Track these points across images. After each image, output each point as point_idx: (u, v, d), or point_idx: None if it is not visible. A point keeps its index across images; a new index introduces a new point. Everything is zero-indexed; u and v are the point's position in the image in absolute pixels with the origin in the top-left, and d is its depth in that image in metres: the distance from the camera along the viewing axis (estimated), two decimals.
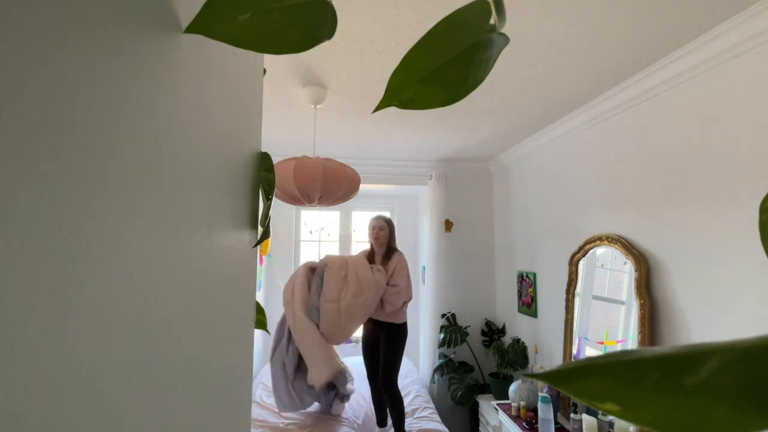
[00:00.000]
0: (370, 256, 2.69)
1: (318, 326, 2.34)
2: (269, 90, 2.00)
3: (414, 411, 2.69)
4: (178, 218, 0.28)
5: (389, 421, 2.53)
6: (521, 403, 2.39)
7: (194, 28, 0.26)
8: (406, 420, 2.56)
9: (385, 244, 2.63)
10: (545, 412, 2.11)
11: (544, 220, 2.76)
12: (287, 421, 2.51)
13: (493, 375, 2.95)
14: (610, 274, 2.12)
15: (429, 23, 1.38)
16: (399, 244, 3.68)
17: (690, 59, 1.55)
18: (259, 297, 3.45)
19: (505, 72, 1.79)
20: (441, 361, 3.25)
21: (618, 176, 2.03)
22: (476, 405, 3.08)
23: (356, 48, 1.60)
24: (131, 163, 0.22)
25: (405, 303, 2.54)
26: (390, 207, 4.24)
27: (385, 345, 2.51)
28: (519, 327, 3.09)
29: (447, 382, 3.23)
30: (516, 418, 2.35)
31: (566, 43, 1.54)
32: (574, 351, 2.31)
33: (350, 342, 3.97)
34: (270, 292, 3.78)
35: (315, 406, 2.60)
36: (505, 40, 0.30)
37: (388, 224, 2.67)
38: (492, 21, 0.30)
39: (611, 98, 1.99)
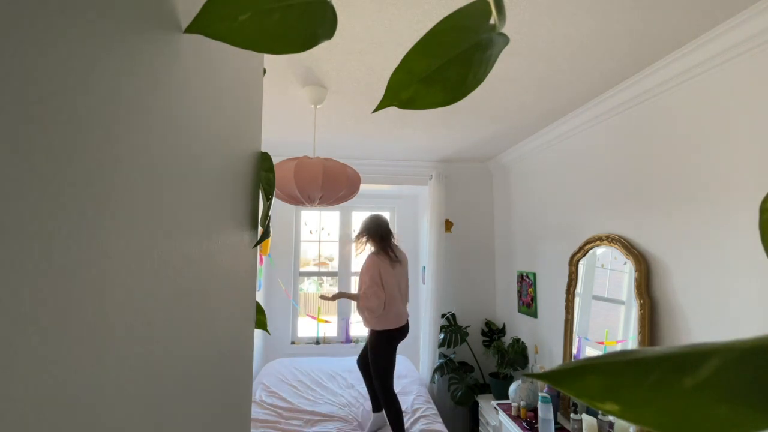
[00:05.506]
0: None
1: None
2: (269, 90, 2.00)
3: (414, 411, 2.69)
4: (177, 218, 0.28)
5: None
6: (521, 403, 2.39)
7: (194, 28, 0.26)
8: (406, 418, 2.57)
9: (374, 247, 2.63)
10: (545, 412, 2.11)
11: (544, 220, 2.76)
12: (287, 421, 2.52)
13: (493, 375, 2.95)
14: (610, 274, 2.12)
15: (429, 23, 1.38)
16: (398, 243, 3.70)
17: (690, 59, 1.55)
18: (259, 297, 3.46)
19: (505, 72, 1.79)
20: (441, 361, 3.25)
21: (618, 176, 2.03)
22: (476, 405, 3.08)
23: (356, 48, 1.60)
24: (130, 163, 0.22)
25: (367, 310, 2.49)
26: (390, 207, 4.24)
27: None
28: (519, 327, 3.09)
29: (447, 382, 3.23)
30: (516, 418, 2.35)
31: (566, 43, 1.54)
32: (574, 351, 2.31)
33: (350, 342, 3.97)
34: (270, 292, 3.78)
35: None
36: (505, 40, 0.30)
37: (365, 230, 2.63)
38: (492, 21, 0.30)
39: (611, 98, 1.99)
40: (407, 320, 2.62)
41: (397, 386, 3.08)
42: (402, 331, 2.56)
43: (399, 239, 2.84)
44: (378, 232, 2.61)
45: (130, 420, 0.22)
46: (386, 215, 4.20)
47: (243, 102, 0.47)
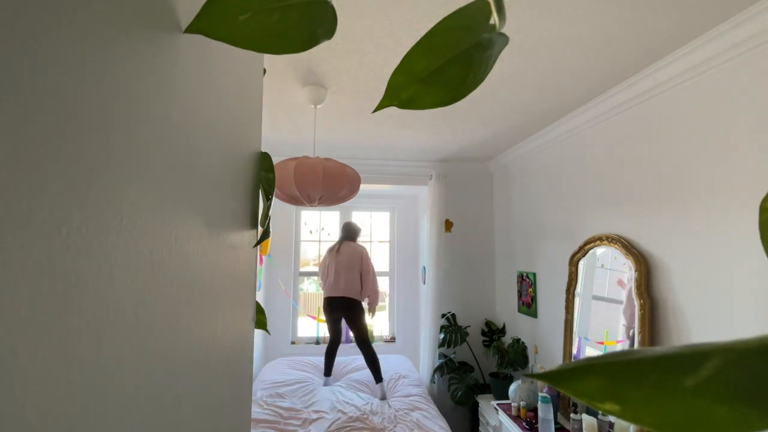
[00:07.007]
0: None
1: None
2: (269, 90, 2.00)
3: (414, 411, 2.69)
4: (177, 218, 0.28)
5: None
6: (521, 403, 2.39)
7: (194, 28, 0.26)
8: (406, 417, 2.59)
9: None
10: (545, 412, 2.11)
11: (544, 220, 2.76)
12: (287, 421, 2.52)
13: (493, 375, 2.95)
14: (610, 274, 2.12)
15: (429, 23, 1.38)
16: (398, 243, 3.93)
17: (691, 58, 1.55)
18: (259, 297, 3.46)
19: (505, 72, 1.79)
20: (441, 361, 3.25)
21: (618, 176, 2.03)
22: (476, 405, 3.08)
23: (356, 48, 1.59)
24: (130, 163, 0.22)
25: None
26: (390, 207, 4.24)
27: None
28: (519, 327, 3.09)
29: (447, 382, 3.23)
30: (516, 418, 2.35)
31: (566, 43, 1.54)
32: (574, 351, 2.31)
33: (350, 342, 3.97)
34: (270, 292, 3.78)
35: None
36: (505, 40, 0.30)
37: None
38: (492, 21, 0.30)
39: (611, 98, 1.99)
40: (336, 295, 3.20)
41: (398, 386, 3.08)
42: (328, 301, 3.24)
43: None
44: (341, 233, 3.46)
45: (130, 420, 0.22)
46: (386, 215, 4.24)
47: (243, 102, 0.47)
